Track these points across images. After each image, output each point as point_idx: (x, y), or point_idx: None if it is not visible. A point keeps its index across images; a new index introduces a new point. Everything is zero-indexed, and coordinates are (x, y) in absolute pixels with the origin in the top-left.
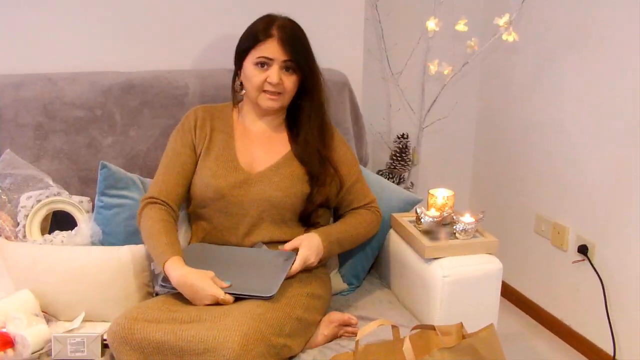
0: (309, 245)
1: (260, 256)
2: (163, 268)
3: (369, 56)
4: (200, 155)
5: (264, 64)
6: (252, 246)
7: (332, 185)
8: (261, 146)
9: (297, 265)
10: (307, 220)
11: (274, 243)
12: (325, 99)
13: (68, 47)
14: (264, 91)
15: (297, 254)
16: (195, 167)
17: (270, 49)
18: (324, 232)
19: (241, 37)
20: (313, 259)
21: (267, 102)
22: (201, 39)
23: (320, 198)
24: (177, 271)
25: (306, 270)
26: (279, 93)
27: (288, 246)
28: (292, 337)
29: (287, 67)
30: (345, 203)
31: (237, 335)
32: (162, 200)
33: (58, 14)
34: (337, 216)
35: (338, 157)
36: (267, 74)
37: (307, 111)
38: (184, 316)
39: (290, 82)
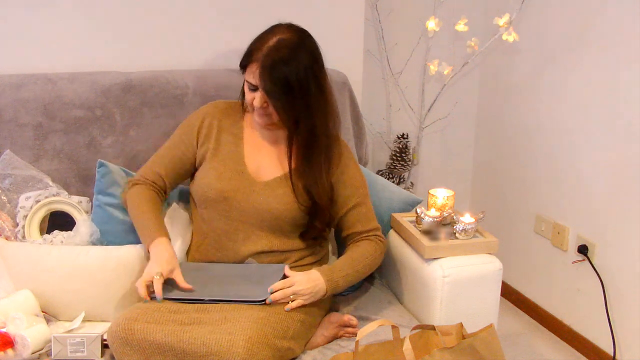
0: (304, 278)
1: (250, 268)
2: (149, 247)
3: (369, 56)
4: (206, 155)
5: (251, 85)
6: (244, 260)
7: (332, 207)
8: (270, 155)
9: (278, 284)
10: (312, 238)
11: (272, 252)
12: (328, 121)
13: (68, 47)
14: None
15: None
16: (188, 164)
17: (254, 75)
18: (327, 270)
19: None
20: (302, 290)
21: (257, 118)
22: (201, 39)
23: (320, 224)
24: (160, 246)
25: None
26: (268, 113)
27: (280, 284)
28: (295, 339)
29: None
30: (347, 225)
31: (241, 340)
32: (150, 180)
33: (58, 14)
34: (338, 238)
35: (344, 178)
36: (254, 95)
37: (301, 132)
38: (184, 318)
39: (274, 106)
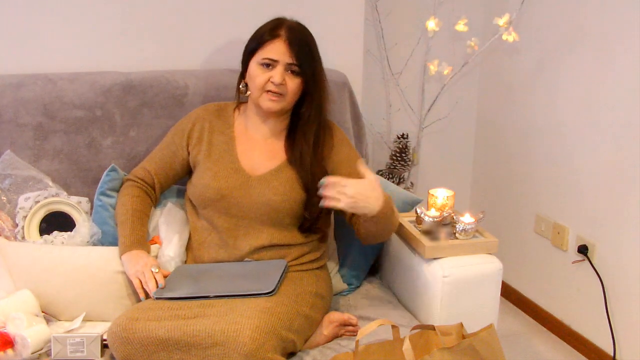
0: (362, 184)
1: (250, 265)
2: (121, 256)
3: (369, 56)
4: (199, 158)
5: (268, 64)
6: (246, 255)
7: None
8: (262, 150)
9: (366, 171)
10: (307, 230)
11: (273, 247)
12: (327, 103)
13: (68, 47)
14: (267, 91)
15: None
16: (177, 164)
17: (276, 49)
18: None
19: (249, 38)
20: (353, 192)
21: (267, 102)
22: (201, 39)
23: (310, 214)
24: (136, 255)
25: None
26: (280, 94)
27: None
28: (298, 333)
29: (291, 70)
30: None
31: (248, 329)
32: (139, 178)
33: (58, 14)
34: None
35: (339, 158)
36: (271, 74)
37: (307, 116)
38: (188, 313)
39: (293, 84)
